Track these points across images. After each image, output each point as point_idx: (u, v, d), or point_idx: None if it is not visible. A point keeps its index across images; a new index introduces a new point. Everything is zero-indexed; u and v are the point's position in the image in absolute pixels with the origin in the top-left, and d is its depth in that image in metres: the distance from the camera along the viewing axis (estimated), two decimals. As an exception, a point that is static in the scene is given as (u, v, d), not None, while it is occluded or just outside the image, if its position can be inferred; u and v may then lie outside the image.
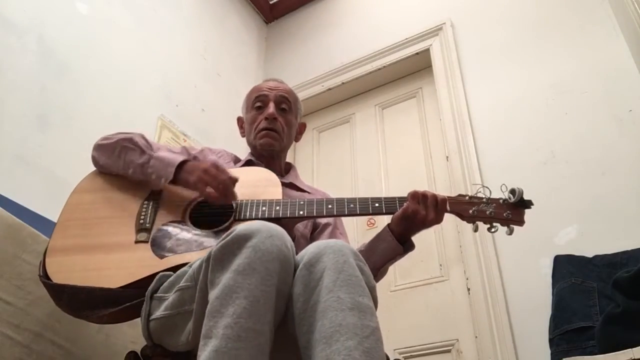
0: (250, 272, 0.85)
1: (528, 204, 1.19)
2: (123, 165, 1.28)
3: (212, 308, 0.84)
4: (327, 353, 0.80)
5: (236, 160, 1.51)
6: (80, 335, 1.32)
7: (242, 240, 0.89)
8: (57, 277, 1.11)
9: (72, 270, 1.12)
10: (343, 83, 2.99)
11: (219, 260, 0.89)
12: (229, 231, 0.92)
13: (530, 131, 2.23)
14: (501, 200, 1.20)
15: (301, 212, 1.17)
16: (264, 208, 1.17)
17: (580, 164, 2.04)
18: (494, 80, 2.44)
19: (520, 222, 1.19)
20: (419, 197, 1.17)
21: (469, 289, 2.09)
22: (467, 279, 2.11)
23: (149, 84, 2.48)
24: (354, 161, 2.83)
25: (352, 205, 1.18)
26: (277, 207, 1.17)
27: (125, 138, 1.30)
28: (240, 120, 1.59)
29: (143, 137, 1.31)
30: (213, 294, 0.86)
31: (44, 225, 1.51)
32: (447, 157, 2.40)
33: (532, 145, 2.18)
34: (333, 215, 1.22)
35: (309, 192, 1.48)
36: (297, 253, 0.99)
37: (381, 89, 2.99)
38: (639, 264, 1.47)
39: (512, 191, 1.19)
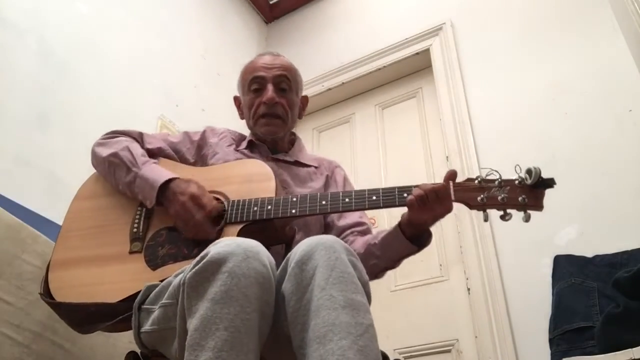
0: (229, 301, 0.81)
1: (550, 183, 1.04)
2: (114, 182, 1.27)
3: (192, 341, 0.80)
4: (321, 353, 0.79)
5: (240, 138, 1.45)
6: (80, 335, 1.32)
7: (216, 265, 0.84)
8: (59, 294, 1.13)
9: (71, 286, 1.13)
10: (343, 83, 2.99)
11: (193, 288, 0.85)
12: (202, 255, 0.87)
13: (530, 131, 2.22)
14: (517, 182, 1.05)
15: (293, 211, 1.12)
16: (255, 208, 1.13)
17: (580, 164, 2.04)
18: (494, 80, 2.44)
19: (539, 207, 1.04)
20: (416, 204, 1.06)
21: (469, 289, 2.09)
22: (467, 279, 2.11)
23: (149, 84, 2.48)
24: (354, 161, 2.83)
25: (347, 200, 1.12)
26: (269, 207, 1.13)
27: (112, 153, 1.26)
28: (237, 100, 1.49)
29: (128, 149, 1.26)
30: (192, 325, 0.82)
31: (44, 225, 1.51)
32: (447, 157, 2.40)
33: (532, 145, 2.18)
34: (327, 213, 1.16)
35: (315, 167, 1.43)
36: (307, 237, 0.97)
37: (381, 89, 2.98)
38: (639, 264, 1.47)
39: (529, 171, 1.04)
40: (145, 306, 1.03)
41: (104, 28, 2.33)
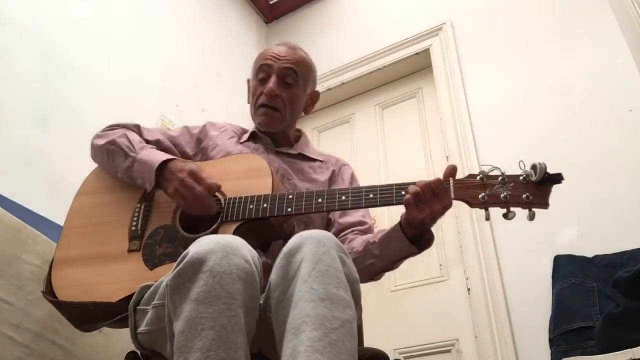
0: (212, 300, 0.80)
1: (558, 178, 0.95)
2: (113, 169, 1.27)
3: (179, 343, 0.79)
4: (294, 344, 0.78)
5: (242, 132, 1.44)
6: (80, 335, 1.32)
7: (197, 265, 0.83)
8: (61, 293, 1.14)
9: (73, 285, 1.15)
10: (343, 83, 2.98)
11: (175, 290, 0.85)
12: (182, 256, 0.87)
13: (530, 131, 2.22)
14: (521, 178, 0.98)
15: (289, 210, 1.11)
16: (251, 206, 1.13)
17: (581, 164, 2.04)
18: (494, 80, 2.44)
19: (545, 205, 0.96)
20: (413, 203, 1.03)
21: (469, 289, 2.09)
22: (467, 279, 2.11)
23: (149, 84, 2.48)
24: (354, 161, 2.82)
25: (343, 198, 1.10)
26: (265, 205, 1.12)
27: (110, 141, 1.27)
28: (248, 83, 1.47)
29: (126, 136, 1.26)
30: (178, 327, 0.81)
31: (44, 225, 1.51)
32: (447, 157, 2.40)
33: (532, 145, 2.18)
34: (322, 211, 1.13)
35: (320, 161, 1.42)
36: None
37: (381, 89, 2.98)
38: (639, 264, 1.47)
39: (534, 167, 0.97)
40: (140, 307, 1.03)
41: (104, 28, 2.33)
